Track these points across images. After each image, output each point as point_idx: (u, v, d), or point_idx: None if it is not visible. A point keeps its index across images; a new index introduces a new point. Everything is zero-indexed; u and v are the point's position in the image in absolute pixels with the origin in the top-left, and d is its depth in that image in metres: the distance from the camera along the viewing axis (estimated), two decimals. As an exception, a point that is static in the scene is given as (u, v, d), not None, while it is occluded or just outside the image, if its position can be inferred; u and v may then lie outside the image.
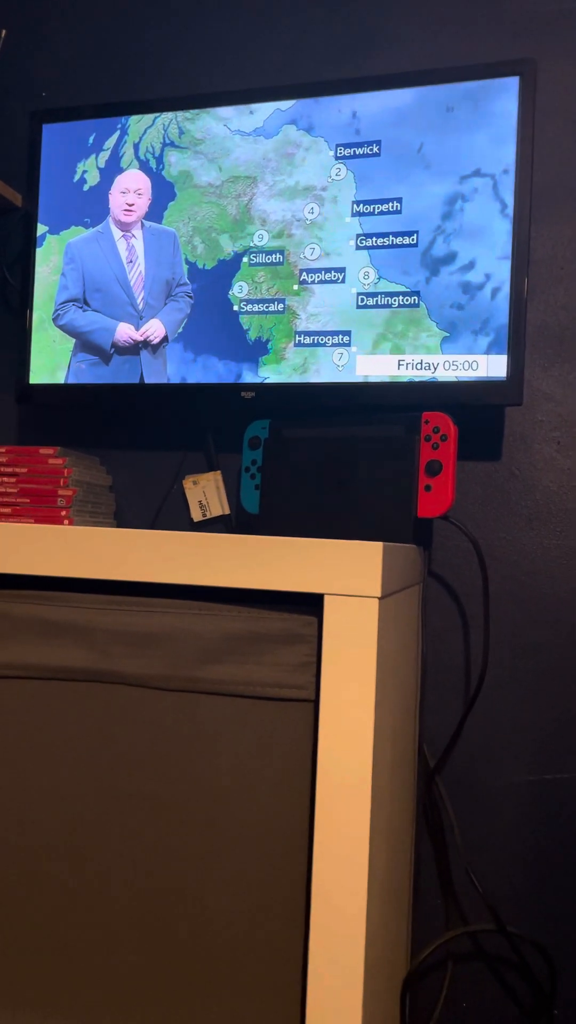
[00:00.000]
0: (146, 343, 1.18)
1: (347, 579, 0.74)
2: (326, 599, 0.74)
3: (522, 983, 1.15)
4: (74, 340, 1.23)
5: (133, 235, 1.19)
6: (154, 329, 1.18)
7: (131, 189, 1.18)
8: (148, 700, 0.80)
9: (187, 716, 0.79)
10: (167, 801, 0.79)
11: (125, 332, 1.17)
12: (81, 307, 1.19)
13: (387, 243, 1.11)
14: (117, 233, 1.19)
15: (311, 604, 0.80)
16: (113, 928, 0.80)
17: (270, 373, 1.15)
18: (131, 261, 1.17)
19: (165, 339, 1.19)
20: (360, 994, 0.73)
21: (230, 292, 1.17)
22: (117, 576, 0.79)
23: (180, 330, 1.19)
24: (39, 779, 0.82)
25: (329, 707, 0.74)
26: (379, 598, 0.74)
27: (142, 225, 1.19)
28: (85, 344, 1.21)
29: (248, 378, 1.16)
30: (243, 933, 0.77)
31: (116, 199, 1.19)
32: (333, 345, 1.13)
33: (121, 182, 1.19)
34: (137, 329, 1.17)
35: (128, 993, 0.79)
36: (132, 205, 1.17)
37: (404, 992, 1.04)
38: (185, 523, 1.31)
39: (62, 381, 1.24)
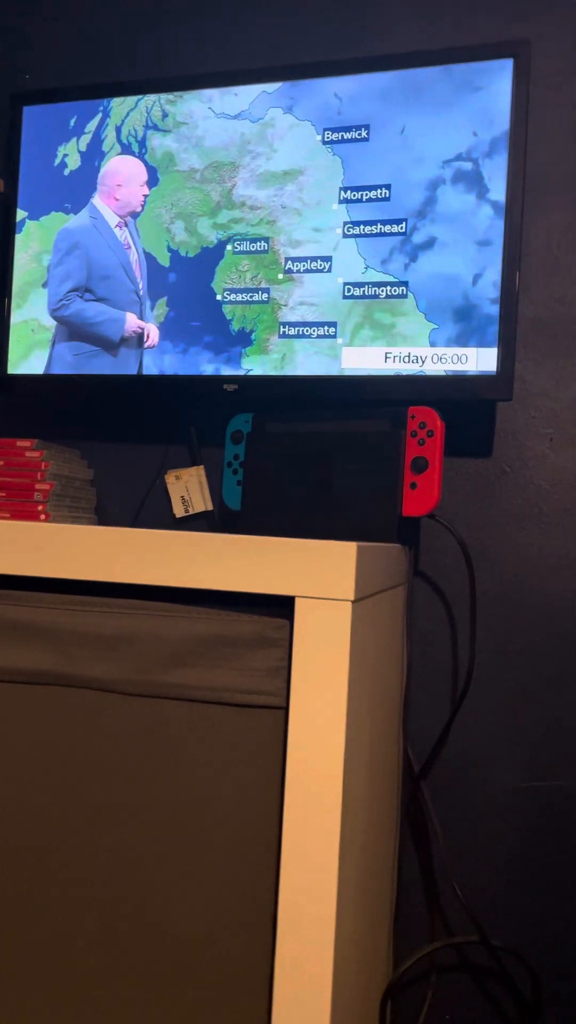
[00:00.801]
0: (146, 333, 1.14)
1: (319, 581, 0.70)
2: (297, 602, 0.71)
3: (506, 995, 1.12)
4: (58, 329, 1.18)
5: (125, 223, 1.15)
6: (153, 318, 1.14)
7: (130, 177, 1.13)
8: (113, 705, 0.77)
9: (153, 722, 0.76)
10: (131, 809, 0.76)
11: (134, 322, 1.13)
12: (82, 296, 1.15)
13: (375, 231, 1.07)
14: (113, 220, 1.15)
15: (284, 606, 0.77)
16: (73, 937, 0.77)
17: (253, 365, 1.11)
18: (128, 247, 1.13)
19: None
20: (328, 1006, 0.70)
21: (213, 281, 1.13)
22: (79, 575, 0.76)
23: (163, 320, 1.15)
24: None
25: (299, 714, 0.71)
26: (352, 601, 0.70)
27: (127, 219, 1.15)
28: (86, 335, 1.16)
29: (231, 370, 1.12)
30: (208, 943, 0.74)
31: (114, 189, 1.14)
32: (319, 336, 1.09)
33: (117, 170, 1.15)
34: (140, 317, 1.13)
35: (87, 1005, 0.76)
36: (132, 194, 1.13)
37: (384, 1004, 1.01)
38: (167, 519, 1.27)
39: (40, 370, 1.20)
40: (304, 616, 0.71)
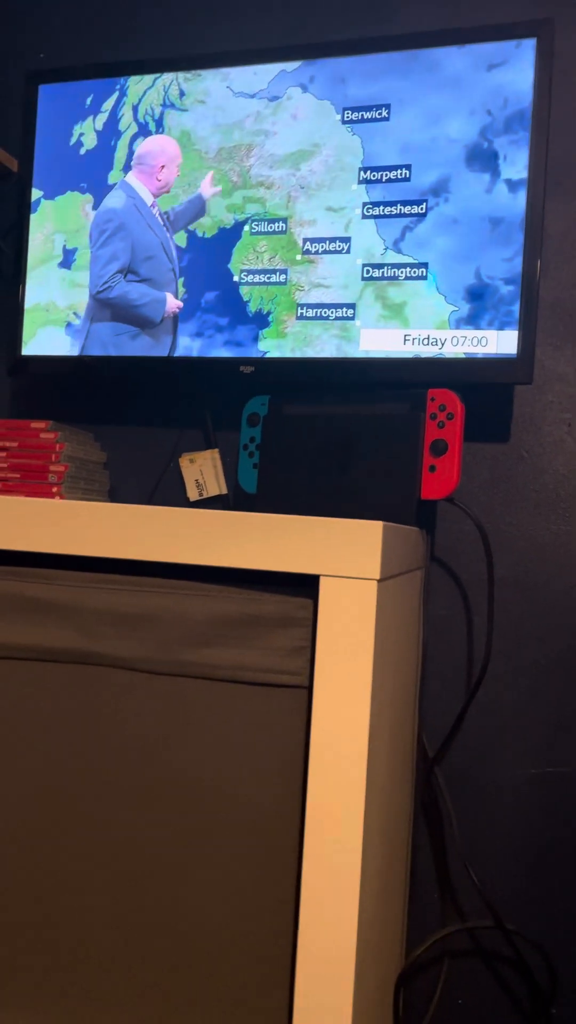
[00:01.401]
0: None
1: (345, 560, 0.69)
2: (322, 580, 0.70)
3: (519, 981, 1.12)
4: (86, 303, 1.16)
5: (157, 203, 1.14)
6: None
7: (172, 159, 1.12)
8: (136, 683, 0.76)
9: (176, 701, 0.75)
10: (154, 787, 0.75)
11: (172, 302, 1.11)
12: (126, 277, 1.13)
13: (394, 212, 1.06)
14: (149, 200, 1.13)
15: (307, 586, 0.76)
16: (93, 916, 0.76)
17: (271, 347, 1.11)
18: (164, 226, 1.12)
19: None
20: (351, 990, 0.70)
21: (230, 262, 1.12)
22: (103, 553, 0.75)
23: (181, 301, 1.14)
24: (20, 762, 0.78)
25: (323, 693, 0.70)
26: (378, 580, 0.70)
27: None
28: (129, 316, 1.14)
29: (247, 352, 1.11)
30: (229, 922, 0.74)
31: (155, 169, 1.13)
32: (337, 318, 1.08)
33: (163, 149, 1.13)
34: (176, 296, 1.12)
35: (106, 983, 0.76)
36: (170, 175, 1.12)
37: (398, 988, 1.01)
38: (182, 502, 1.27)
39: (67, 348, 1.19)
40: (329, 594, 0.70)
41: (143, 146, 1.15)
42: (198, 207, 1.10)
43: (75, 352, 1.18)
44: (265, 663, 0.74)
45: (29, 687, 0.78)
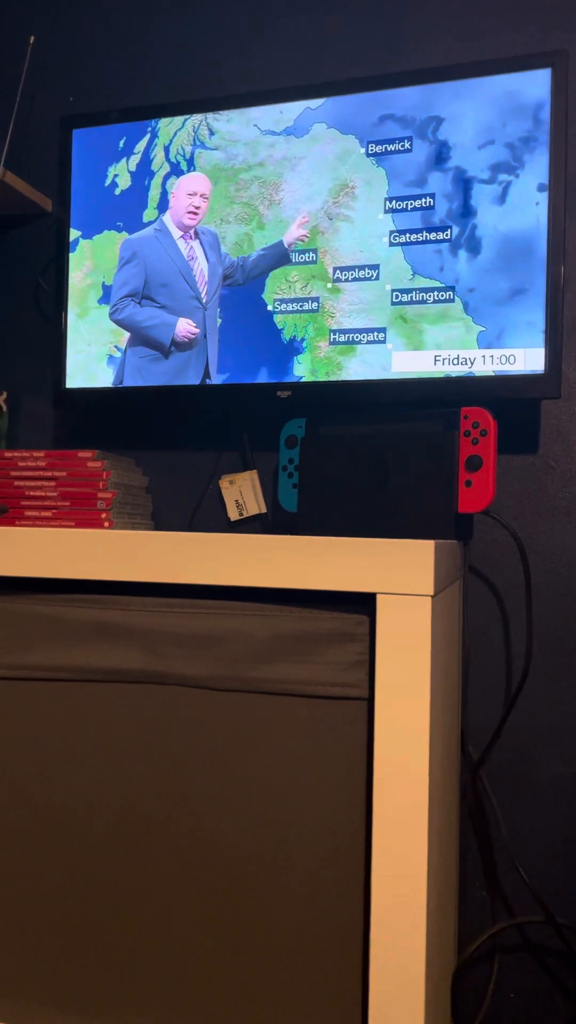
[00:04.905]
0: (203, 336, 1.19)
1: (400, 578, 0.74)
2: (379, 598, 0.75)
3: (570, 974, 1.15)
4: (127, 336, 1.23)
5: (191, 236, 1.19)
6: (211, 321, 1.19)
7: (197, 192, 1.19)
8: (202, 700, 0.81)
9: (241, 716, 0.80)
10: (222, 800, 0.80)
11: (185, 327, 1.17)
12: (138, 302, 1.20)
13: (420, 239, 1.11)
14: (176, 233, 1.19)
15: (358, 603, 0.81)
16: (168, 925, 0.81)
17: (305, 372, 1.16)
18: (192, 258, 1.18)
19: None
20: (422, 991, 0.74)
21: (263, 292, 1.17)
22: (169, 579, 0.80)
23: (217, 331, 1.19)
24: (97, 779, 0.83)
25: (385, 705, 0.75)
26: (432, 596, 0.74)
27: (195, 230, 1.20)
28: (143, 339, 1.21)
29: (284, 377, 1.16)
30: (301, 928, 0.78)
31: (181, 201, 1.19)
32: (369, 342, 1.13)
33: (186, 185, 1.20)
34: (199, 322, 1.18)
35: (185, 990, 0.81)
36: (198, 208, 1.18)
37: (454, 985, 1.05)
38: (221, 522, 1.32)
39: (108, 379, 1.25)
40: (386, 611, 0.75)
41: (177, 185, 1.21)
42: (279, 254, 1.15)
43: (114, 381, 1.24)
44: (325, 677, 0.78)
45: (103, 707, 0.83)
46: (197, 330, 1.19)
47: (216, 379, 1.19)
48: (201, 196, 1.20)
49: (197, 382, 1.20)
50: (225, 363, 1.19)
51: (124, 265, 1.22)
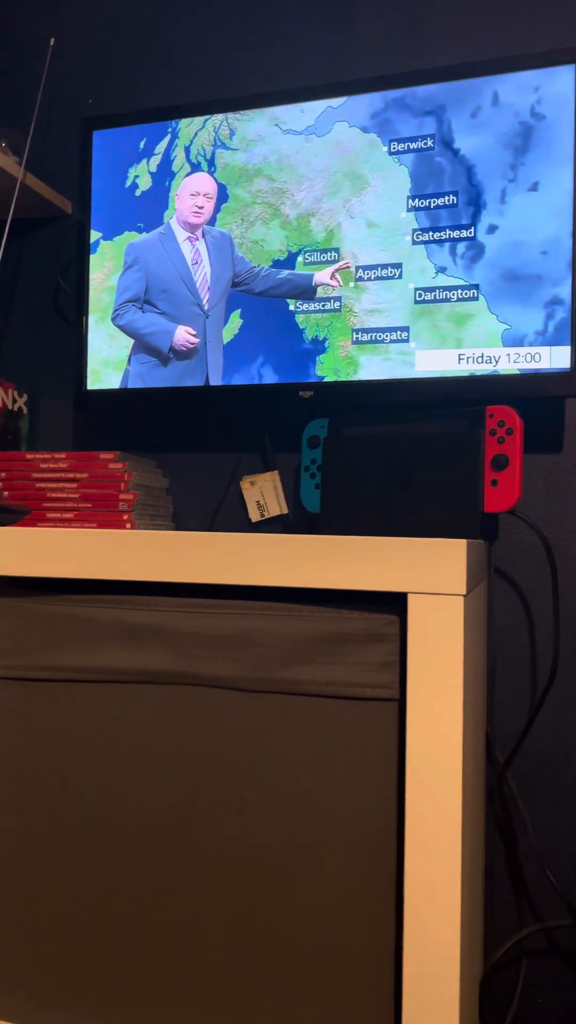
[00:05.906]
0: (203, 345, 1.18)
1: (432, 577, 0.73)
2: (410, 597, 0.74)
3: (598, 979, 1.14)
4: (132, 342, 1.23)
5: (197, 238, 1.19)
6: (214, 331, 1.18)
7: (200, 192, 1.18)
8: (232, 702, 0.80)
9: (271, 717, 0.79)
10: (253, 801, 0.79)
11: (184, 335, 1.17)
12: (140, 307, 1.20)
13: (443, 237, 1.10)
14: (182, 235, 1.19)
15: (387, 603, 0.80)
16: (199, 925, 0.80)
17: (328, 372, 1.15)
18: (196, 263, 1.18)
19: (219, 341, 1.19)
20: (456, 998, 0.73)
21: (285, 292, 1.17)
22: (198, 579, 0.79)
23: (237, 331, 1.19)
24: (126, 781, 0.82)
25: (417, 705, 0.74)
26: (464, 595, 0.73)
27: (203, 231, 1.19)
28: (144, 346, 1.21)
29: (305, 378, 1.16)
30: (332, 931, 0.77)
31: (185, 201, 1.19)
32: (392, 341, 1.12)
33: (190, 184, 1.20)
34: (200, 330, 1.17)
35: (214, 992, 0.80)
36: (201, 208, 1.18)
37: (482, 989, 1.04)
38: (241, 523, 1.31)
39: (117, 384, 1.24)
40: (418, 611, 0.74)
41: (181, 185, 1.21)
42: (304, 288, 1.14)
43: (120, 386, 1.24)
44: (356, 678, 0.77)
45: (132, 708, 0.82)
46: (196, 339, 1.18)
47: (219, 381, 1.19)
48: (204, 196, 1.20)
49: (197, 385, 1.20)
50: (244, 364, 1.18)
51: (127, 270, 1.22)
